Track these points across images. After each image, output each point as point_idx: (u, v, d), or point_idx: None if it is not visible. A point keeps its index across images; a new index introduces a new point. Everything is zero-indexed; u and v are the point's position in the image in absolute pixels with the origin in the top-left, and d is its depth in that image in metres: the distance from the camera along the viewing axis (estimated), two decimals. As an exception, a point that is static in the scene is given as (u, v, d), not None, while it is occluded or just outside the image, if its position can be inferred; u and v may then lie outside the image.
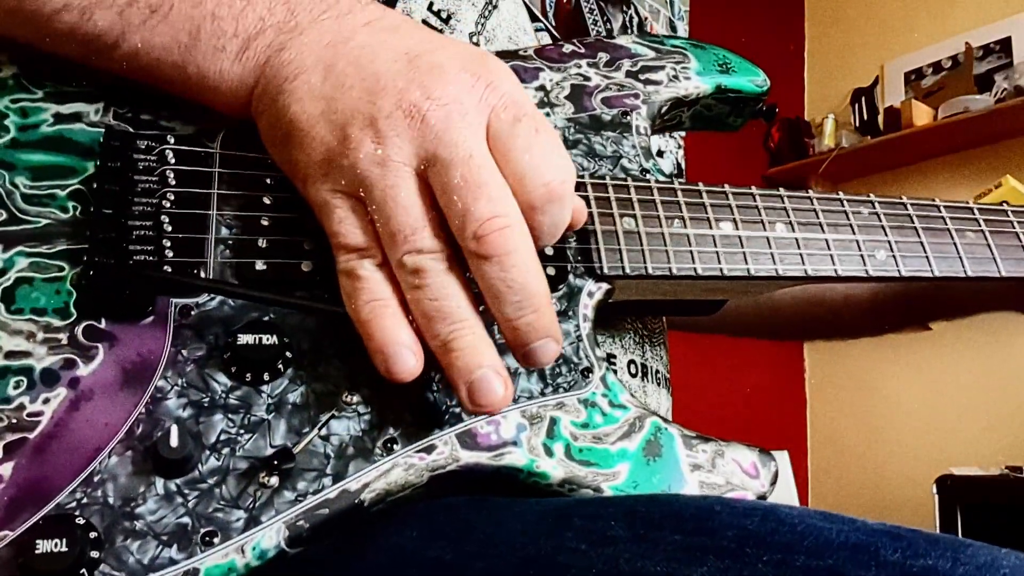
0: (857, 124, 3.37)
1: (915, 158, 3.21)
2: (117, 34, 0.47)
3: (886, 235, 0.61)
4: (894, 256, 0.60)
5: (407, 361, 0.44)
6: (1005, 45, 3.10)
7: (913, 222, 0.62)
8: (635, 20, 0.82)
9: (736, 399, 2.66)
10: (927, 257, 0.61)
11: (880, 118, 3.30)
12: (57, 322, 0.45)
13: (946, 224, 0.62)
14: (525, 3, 0.69)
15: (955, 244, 0.62)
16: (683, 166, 0.84)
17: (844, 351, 3.14)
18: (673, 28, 0.86)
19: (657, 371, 0.65)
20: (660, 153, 0.80)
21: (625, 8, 0.80)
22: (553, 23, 0.73)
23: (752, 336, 1.01)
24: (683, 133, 0.84)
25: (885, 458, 3.21)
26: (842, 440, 3.37)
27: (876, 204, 0.62)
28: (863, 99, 3.39)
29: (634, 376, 0.62)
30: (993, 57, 3.12)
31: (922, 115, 3.10)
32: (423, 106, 0.43)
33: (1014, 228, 0.64)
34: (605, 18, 0.79)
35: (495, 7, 0.65)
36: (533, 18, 0.70)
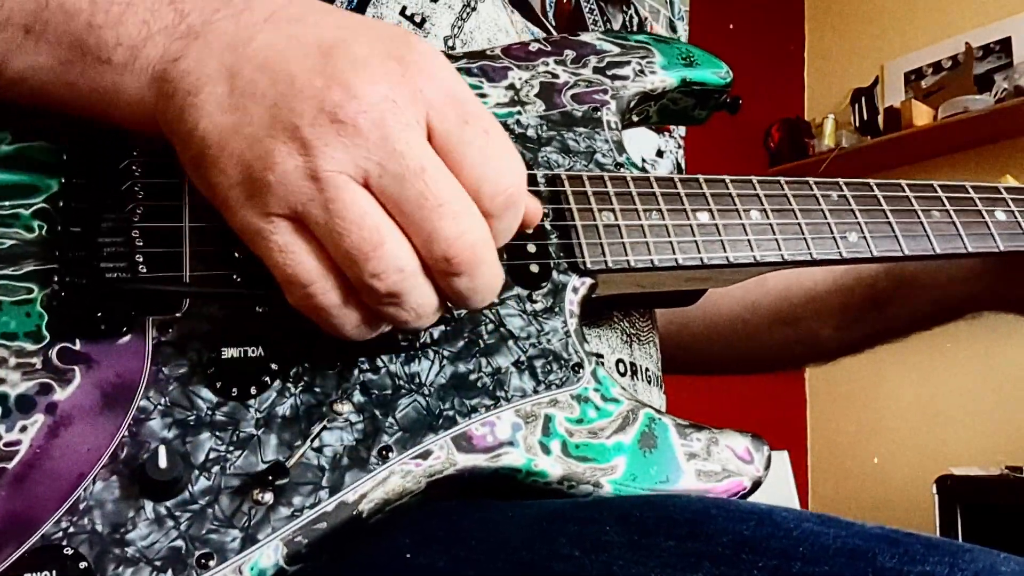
0: (857, 124, 3.37)
1: (915, 158, 3.22)
2: None
3: (856, 217, 0.61)
4: (865, 237, 0.61)
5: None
6: (1005, 45, 3.11)
7: (880, 204, 0.63)
8: (635, 20, 0.81)
9: (736, 399, 2.67)
10: (896, 237, 0.62)
11: (880, 118, 3.29)
12: (30, 346, 0.43)
13: (912, 204, 0.64)
14: (522, 3, 0.68)
15: (922, 223, 0.63)
16: (683, 166, 0.84)
17: (844, 351, 3.15)
18: (673, 28, 0.86)
19: (647, 369, 0.65)
20: (660, 153, 0.80)
21: (625, 8, 0.80)
22: (553, 23, 0.73)
23: (737, 372, 1.01)
24: (683, 133, 0.84)
25: (885, 458, 3.22)
26: (842, 440, 3.38)
27: (844, 187, 0.63)
28: (863, 99, 3.38)
29: (623, 375, 0.62)
30: (993, 57, 3.13)
31: (922, 115, 3.10)
32: (349, 109, 0.38)
33: (977, 206, 0.65)
34: (605, 18, 0.79)
35: (473, 9, 0.64)
36: (534, 21, 0.69)
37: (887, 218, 0.62)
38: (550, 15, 0.72)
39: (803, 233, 0.60)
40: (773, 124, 3.44)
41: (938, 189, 0.65)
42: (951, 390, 3.05)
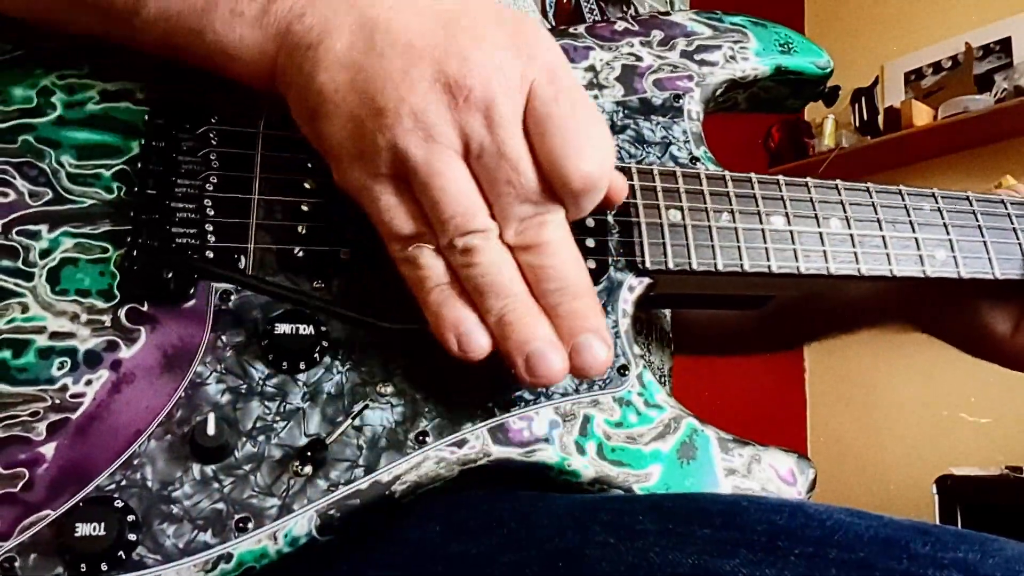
0: (857, 124, 3.33)
1: (915, 158, 3.18)
2: (134, 1, 0.46)
3: (948, 233, 0.58)
4: (955, 256, 0.57)
5: (479, 339, 0.43)
6: (1005, 45, 3.05)
7: (977, 219, 0.59)
8: None
9: (736, 399, 2.66)
10: (989, 258, 0.58)
11: (880, 118, 3.26)
12: (101, 304, 0.46)
13: (1012, 223, 0.59)
14: None
15: (1020, 244, 0.59)
16: None
17: (844, 351, 3.09)
18: None
19: (661, 328, 0.65)
20: None
21: (625, 8, 0.77)
22: (553, 23, 0.71)
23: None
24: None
25: (885, 458, 3.20)
26: (842, 440, 3.37)
27: (939, 199, 0.59)
28: (863, 99, 3.34)
29: (640, 333, 0.61)
30: (993, 57, 3.06)
31: (922, 115, 3.06)
32: (466, 82, 0.41)
33: None
34: (605, 18, 0.76)
35: None
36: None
37: (982, 236, 0.58)
38: (550, 15, 0.69)
39: (886, 247, 0.56)
40: (773, 124, 3.38)
41: None
42: (951, 390, 2.98)
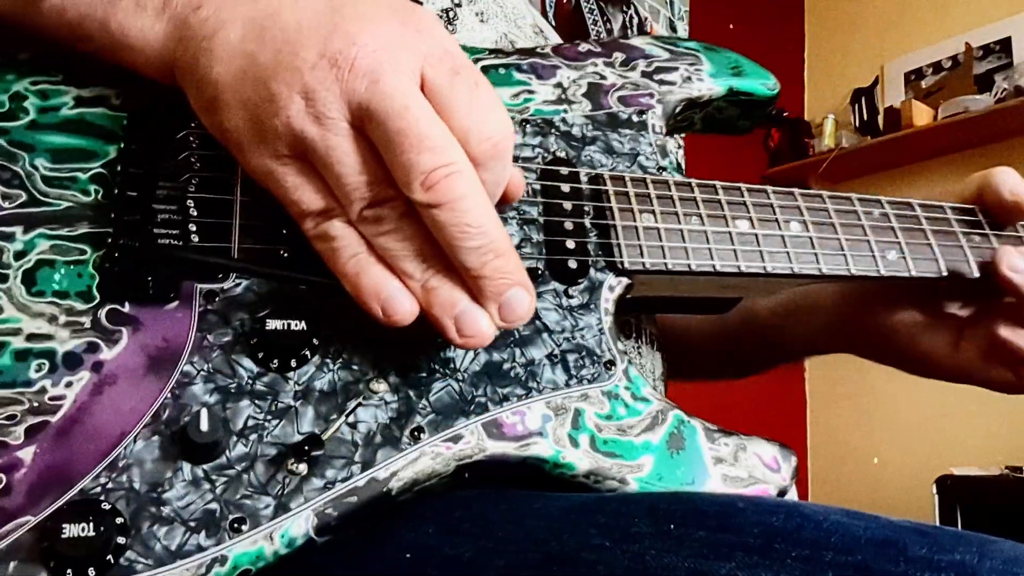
0: (857, 124, 3.36)
1: (915, 158, 3.21)
2: None
3: (896, 236, 0.61)
4: (904, 257, 0.61)
5: (402, 303, 0.43)
6: (1005, 45, 3.13)
7: (921, 224, 0.63)
8: (635, 20, 0.82)
9: (736, 399, 2.69)
10: (936, 259, 0.62)
11: (880, 118, 3.30)
12: (80, 305, 0.44)
13: (953, 227, 0.64)
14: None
15: (963, 247, 0.63)
16: (683, 165, 0.85)
17: (845, 350, 3.19)
18: (673, 28, 0.87)
19: (651, 332, 0.66)
20: None
21: (625, 8, 0.81)
22: (553, 23, 0.74)
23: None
24: (683, 133, 0.85)
25: (885, 458, 3.21)
26: (842, 440, 3.36)
27: (886, 204, 0.63)
28: (863, 99, 3.39)
29: (629, 337, 0.62)
30: (993, 57, 3.15)
31: (922, 115, 3.11)
32: (349, 53, 0.41)
33: (1018, 232, 0.65)
34: (605, 18, 0.79)
35: None
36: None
37: (927, 239, 0.62)
38: (550, 15, 0.73)
39: (843, 248, 0.60)
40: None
41: (979, 214, 0.65)
42: (951, 390, 3.02)
